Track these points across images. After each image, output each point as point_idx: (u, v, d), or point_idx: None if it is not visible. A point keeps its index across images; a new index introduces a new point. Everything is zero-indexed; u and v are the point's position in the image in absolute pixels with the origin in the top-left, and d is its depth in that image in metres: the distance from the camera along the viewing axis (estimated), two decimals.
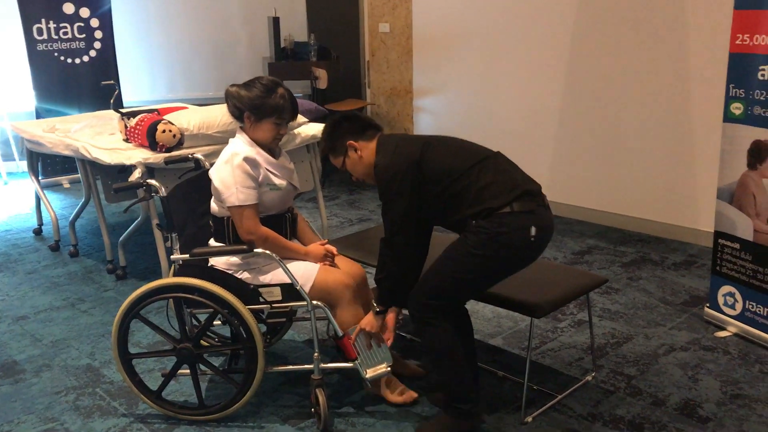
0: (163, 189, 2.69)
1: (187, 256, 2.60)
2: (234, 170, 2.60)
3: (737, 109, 3.16)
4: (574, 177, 5.05)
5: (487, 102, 5.38)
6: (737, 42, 3.11)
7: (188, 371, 2.69)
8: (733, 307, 3.33)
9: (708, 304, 3.46)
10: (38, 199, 4.94)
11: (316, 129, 4.21)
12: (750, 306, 3.24)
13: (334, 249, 2.82)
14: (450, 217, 2.47)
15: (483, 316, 3.57)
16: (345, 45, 6.97)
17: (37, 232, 5.02)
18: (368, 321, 2.62)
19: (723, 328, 3.36)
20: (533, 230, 2.37)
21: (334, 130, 2.60)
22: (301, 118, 4.10)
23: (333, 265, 2.78)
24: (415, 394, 2.80)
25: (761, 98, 3.04)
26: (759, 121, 3.07)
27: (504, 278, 2.51)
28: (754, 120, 3.09)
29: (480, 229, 2.37)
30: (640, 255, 4.36)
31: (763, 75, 3.02)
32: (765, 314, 3.17)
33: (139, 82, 6.78)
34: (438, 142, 2.51)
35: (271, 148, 2.75)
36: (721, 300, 3.38)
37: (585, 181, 4.99)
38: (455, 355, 2.48)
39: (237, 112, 2.69)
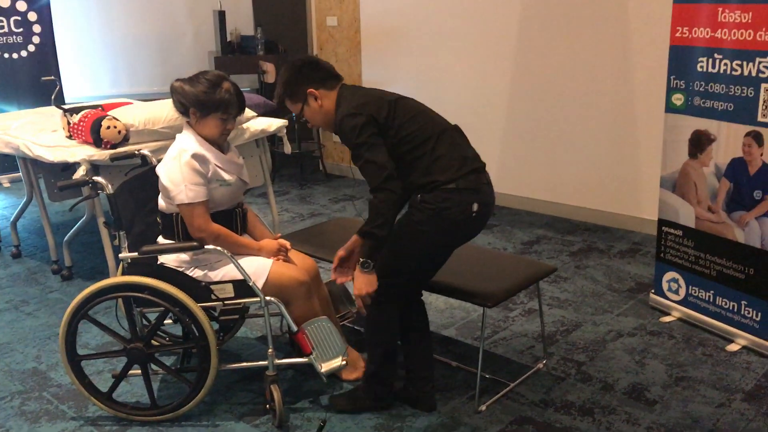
0: (109, 186, 2.63)
1: (136, 254, 2.55)
2: (182, 167, 2.56)
3: (678, 100, 3.25)
4: (521, 168, 5.12)
5: (435, 94, 5.41)
6: (677, 35, 3.20)
7: (139, 371, 2.64)
8: (677, 292, 3.43)
9: (653, 290, 3.56)
10: None
11: (265, 123, 4.17)
12: (693, 291, 3.35)
13: (287, 243, 2.80)
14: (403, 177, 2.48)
15: (436, 307, 3.60)
16: (293, 39, 6.91)
17: None
18: (366, 281, 2.46)
19: (668, 314, 3.46)
20: (475, 206, 2.46)
21: (295, 76, 2.55)
22: (249, 113, 4.05)
23: (287, 259, 2.77)
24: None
25: (701, 89, 3.14)
26: (699, 112, 3.16)
27: (450, 251, 2.57)
28: (694, 110, 3.18)
29: (424, 205, 2.44)
30: (587, 244, 4.45)
31: (702, 67, 3.12)
32: (707, 299, 3.28)
33: (81, 77, 6.59)
34: (404, 105, 2.52)
35: (219, 143, 2.72)
36: (665, 286, 3.48)
37: (532, 172, 5.07)
38: (389, 341, 2.59)
39: (182, 108, 2.65)
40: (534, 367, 3.01)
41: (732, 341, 3.17)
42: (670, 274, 3.44)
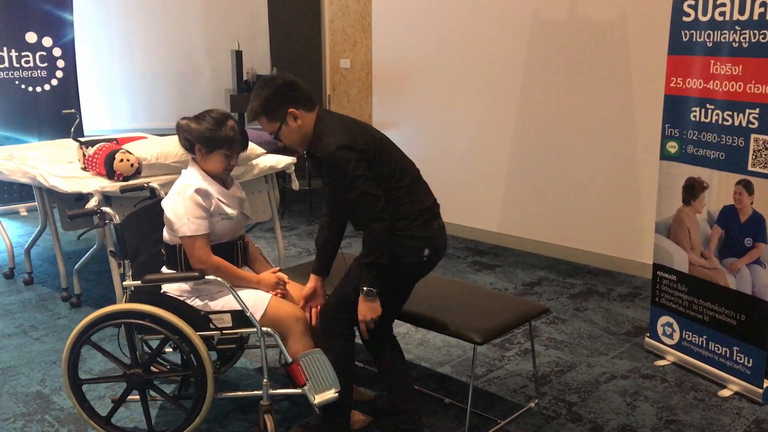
0: (117, 216, 2.74)
1: (139, 282, 2.64)
2: (185, 201, 2.66)
3: (672, 147, 3.34)
4: (525, 210, 5.20)
5: (442, 137, 5.53)
6: (672, 85, 3.30)
7: (138, 397, 2.71)
8: (671, 336, 3.47)
9: (648, 334, 3.60)
10: None
11: (274, 160, 4.30)
12: (686, 336, 3.38)
13: (285, 277, 2.89)
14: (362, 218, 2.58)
15: (434, 345, 3.66)
16: (307, 79, 7.02)
17: None
18: (369, 308, 2.56)
19: (662, 357, 3.50)
20: (426, 251, 2.59)
21: (277, 96, 2.56)
22: (258, 150, 4.18)
23: (285, 292, 2.85)
24: (369, 417, 2.88)
25: (694, 138, 3.22)
26: (692, 160, 3.25)
27: (400, 291, 2.69)
28: (688, 158, 3.26)
29: None
30: (587, 287, 4.50)
31: (695, 116, 3.21)
32: (700, 344, 3.32)
33: (100, 111, 6.80)
34: (386, 145, 2.62)
35: (222, 178, 2.82)
36: (660, 330, 3.52)
37: (536, 214, 5.14)
38: (346, 371, 2.69)
39: (188, 145, 2.76)
40: (526, 406, 3.05)
41: (724, 387, 3.20)
42: (664, 318, 3.49)
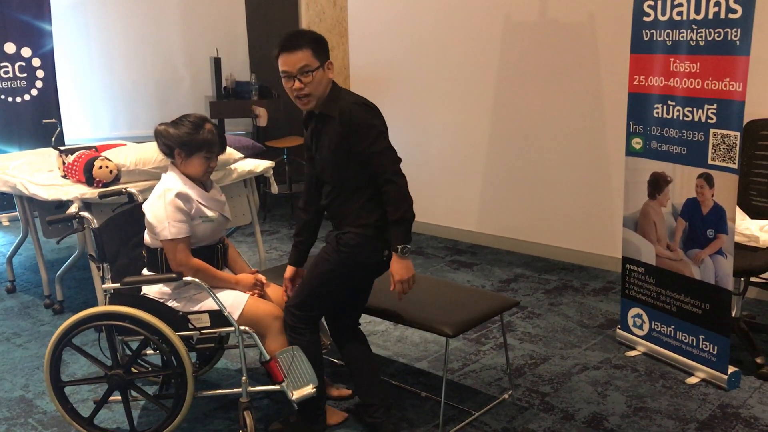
0: (95, 221, 2.81)
1: (119, 285, 2.71)
2: (166, 206, 2.72)
3: (637, 143, 3.44)
4: (501, 209, 5.30)
5: (420, 139, 5.62)
6: (635, 83, 3.40)
7: (120, 398, 2.77)
8: (641, 327, 3.57)
9: (620, 326, 3.70)
10: None
11: (252, 164, 4.36)
12: (655, 326, 3.49)
13: (263, 278, 2.96)
14: (341, 201, 2.69)
15: (411, 341, 3.74)
16: None
17: None
18: (404, 267, 2.60)
19: (633, 348, 3.60)
20: (386, 252, 2.68)
21: (326, 44, 2.62)
22: (237, 154, 4.25)
23: (263, 293, 2.92)
24: (345, 414, 2.96)
25: (657, 134, 3.33)
26: (656, 155, 3.35)
27: (361, 289, 2.84)
28: (652, 154, 3.37)
29: (341, 249, 2.66)
30: (562, 282, 4.60)
31: (657, 113, 3.31)
32: (668, 333, 3.42)
33: (81, 120, 6.85)
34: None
35: (202, 181, 2.89)
36: (630, 321, 3.62)
37: (512, 213, 5.24)
38: (315, 366, 2.76)
39: (167, 150, 2.82)
40: (499, 398, 3.14)
41: (692, 374, 3.30)
42: (634, 310, 3.59)
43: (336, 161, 2.64)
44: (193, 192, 2.81)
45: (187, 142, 2.77)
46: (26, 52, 6.05)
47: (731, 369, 3.17)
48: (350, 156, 2.59)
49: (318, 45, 2.58)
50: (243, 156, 4.39)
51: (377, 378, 2.86)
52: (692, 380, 3.26)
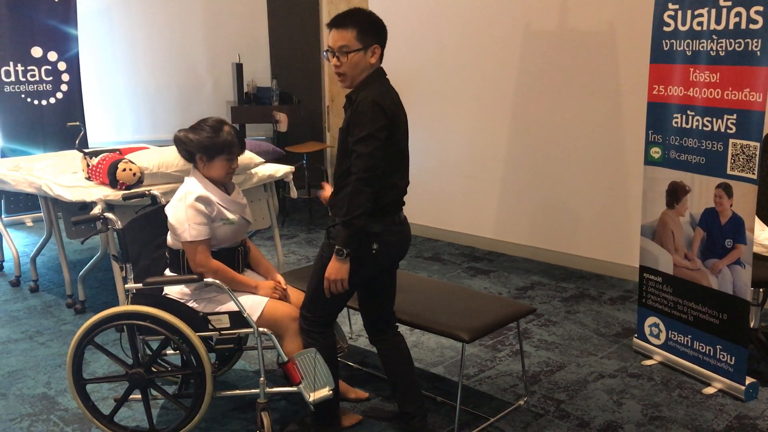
0: (119, 222, 2.86)
1: (141, 285, 2.76)
2: (187, 208, 2.78)
3: (656, 153, 3.45)
4: (519, 216, 5.31)
5: (438, 145, 5.65)
6: (654, 92, 3.41)
7: (140, 396, 2.82)
8: (657, 336, 3.56)
9: (636, 335, 3.70)
10: (0, 237, 5.04)
11: (272, 169, 4.42)
12: (672, 335, 3.48)
13: (282, 279, 3.00)
14: (337, 190, 2.63)
15: (427, 346, 3.76)
16: (306, 90, 7.24)
17: None
18: (336, 268, 2.55)
19: (649, 357, 3.59)
20: (375, 246, 2.61)
21: (378, 26, 2.60)
22: (257, 159, 4.31)
23: (282, 297, 2.95)
24: (359, 416, 2.98)
25: (676, 143, 3.33)
26: (675, 164, 3.36)
27: (354, 281, 2.66)
28: (671, 163, 3.37)
29: (330, 241, 2.62)
30: (579, 290, 4.60)
31: (677, 122, 3.32)
32: (685, 343, 3.42)
33: (104, 123, 6.94)
34: (400, 135, 2.64)
35: (224, 183, 2.94)
36: (647, 330, 3.62)
37: (530, 220, 5.25)
38: (331, 365, 2.75)
39: (188, 156, 2.87)
40: (515, 404, 3.15)
41: (709, 384, 3.29)
42: (651, 319, 3.59)
43: (341, 146, 2.64)
44: (214, 195, 2.86)
45: (209, 146, 2.82)
46: (52, 56, 6.16)
47: (749, 380, 3.16)
48: (347, 145, 2.57)
49: (367, 27, 2.56)
50: (263, 161, 4.44)
51: (414, 386, 2.84)
52: (709, 390, 3.25)
